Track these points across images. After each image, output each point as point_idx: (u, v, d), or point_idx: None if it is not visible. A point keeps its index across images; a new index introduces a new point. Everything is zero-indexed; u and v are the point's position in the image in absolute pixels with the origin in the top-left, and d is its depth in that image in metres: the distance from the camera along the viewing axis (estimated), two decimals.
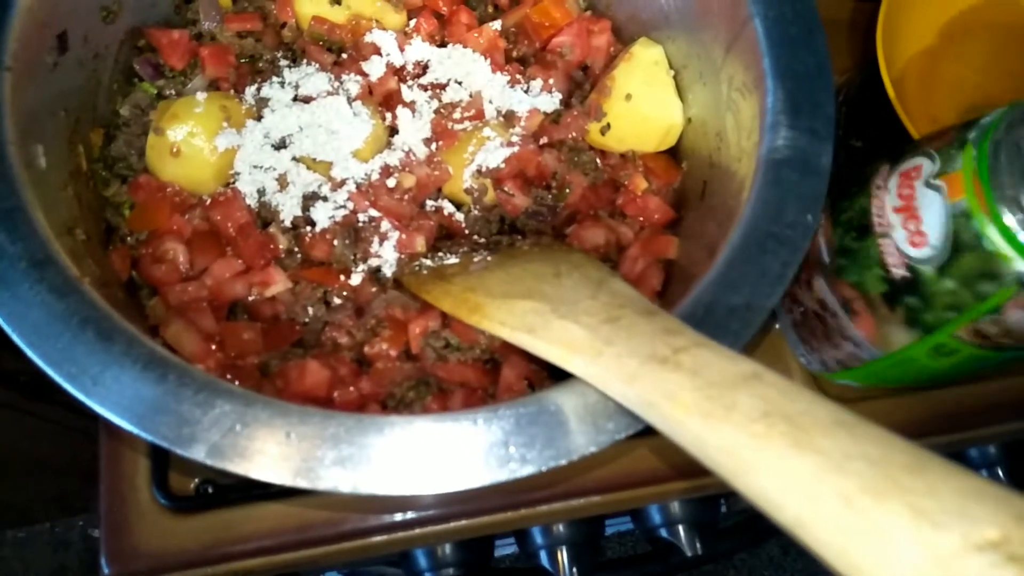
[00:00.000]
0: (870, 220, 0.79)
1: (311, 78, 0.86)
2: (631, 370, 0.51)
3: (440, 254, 0.84)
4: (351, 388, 0.74)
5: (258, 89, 0.87)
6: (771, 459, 0.41)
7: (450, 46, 0.94)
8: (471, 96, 0.91)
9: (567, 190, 0.90)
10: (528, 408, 0.59)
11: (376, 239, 0.84)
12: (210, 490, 0.87)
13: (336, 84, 0.87)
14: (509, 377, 0.77)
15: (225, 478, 0.87)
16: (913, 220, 0.74)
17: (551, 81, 0.94)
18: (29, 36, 0.68)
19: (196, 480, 0.88)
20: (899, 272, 0.74)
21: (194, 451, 0.55)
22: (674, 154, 0.94)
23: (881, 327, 0.78)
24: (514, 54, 0.98)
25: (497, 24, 0.95)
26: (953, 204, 0.71)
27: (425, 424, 0.57)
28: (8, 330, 0.56)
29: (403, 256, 0.84)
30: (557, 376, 0.78)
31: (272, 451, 0.55)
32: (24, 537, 2.01)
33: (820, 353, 0.89)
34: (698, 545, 1.07)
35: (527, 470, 0.57)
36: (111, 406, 0.55)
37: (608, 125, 0.92)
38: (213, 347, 0.76)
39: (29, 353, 0.56)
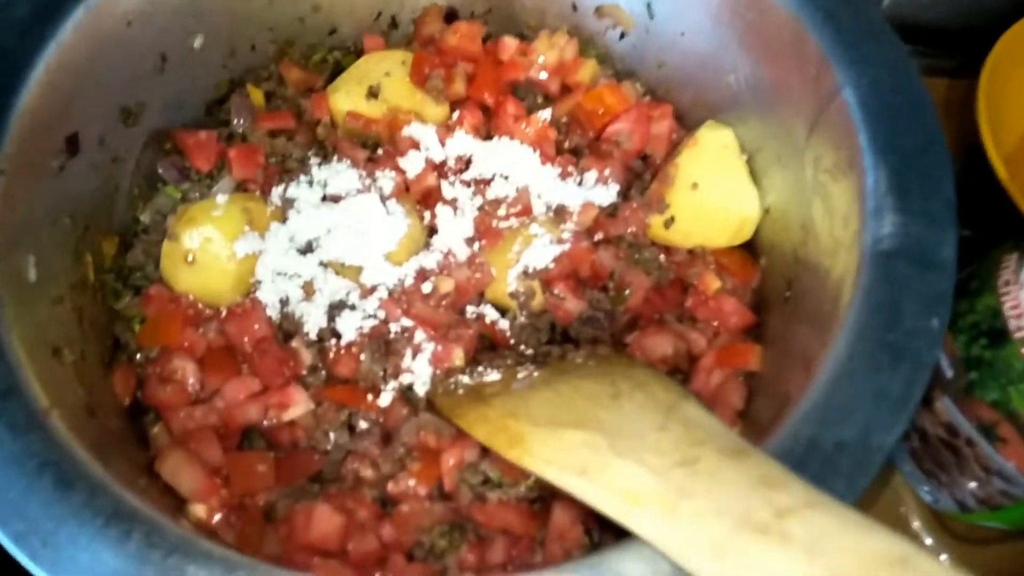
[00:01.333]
0: (1004, 322, 0.64)
1: (340, 175, 0.79)
2: (719, 538, 0.38)
3: (480, 369, 0.72)
4: (370, 536, 0.61)
5: (285, 189, 0.80)
6: None
7: (495, 139, 0.86)
8: (518, 191, 0.82)
9: (627, 292, 0.78)
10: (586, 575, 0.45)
11: (409, 352, 0.74)
12: None
13: (368, 181, 0.79)
14: (562, 521, 0.63)
15: None
16: None
17: (607, 172, 0.84)
18: (30, 138, 0.63)
19: None
20: None
21: None
22: (750, 249, 0.82)
23: None
24: (566, 145, 0.89)
25: (547, 113, 0.87)
26: None
27: None
28: None
29: (438, 371, 0.73)
30: None
31: None
32: None
33: (952, 489, 0.72)
34: None
35: None
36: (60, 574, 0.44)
37: (672, 218, 0.80)
38: (218, 482, 0.65)
39: None
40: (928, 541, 0.79)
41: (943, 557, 0.77)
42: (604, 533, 0.64)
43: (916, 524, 0.79)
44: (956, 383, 0.68)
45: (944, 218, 0.56)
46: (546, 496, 0.66)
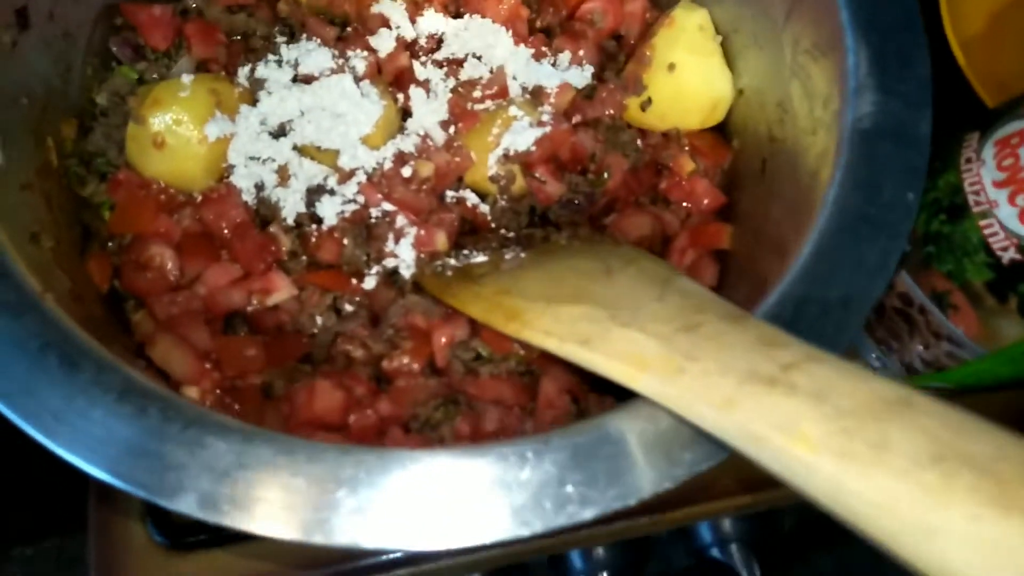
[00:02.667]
0: (964, 199, 0.68)
1: (312, 55, 0.76)
2: (726, 392, 0.41)
3: (465, 252, 0.73)
4: (368, 411, 0.63)
5: (252, 70, 0.76)
6: (957, 523, 0.30)
7: (467, 16, 0.83)
8: (492, 72, 0.81)
9: (605, 175, 0.79)
10: (586, 437, 0.48)
11: (391, 236, 0.74)
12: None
13: (340, 61, 0.76)
14: (549, 391, 0.66)
15: None
16: (1022, 194, 0.63)
17: (581, 53, 0.83)
18: None
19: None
20: (1010, 255, 0.63)
21: (181, 503, 0.45)
22: (721, 131, 0.84)
23: (987, 321, 0.67)
24: (538, 24, 0.87)
25: None
26: None
27: (462, 460, 0.47)
28: None
29: (422, 255, 0.73)
30: (603, 389, 0.68)
31: (277, 500, 0.45)
32: (31, 554, 1.93)
33: (901, 354, 0.78)
34: (756, 568, 0.97)
35: (588, 513, 0.47)
36: (78, 448, 0.45)
37: (649, 100, 0.81)
38: (208, 366, 0.66)
39: None
40: None
41: None
42: (589, 401, 0.68)
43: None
44: (913, 256, 0.73)
45: (921, 96, 0.59)
46: (534, 369, 0.68)
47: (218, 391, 0.65)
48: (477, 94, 0.80)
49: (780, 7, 0.71)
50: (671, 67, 0.80)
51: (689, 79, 0.80)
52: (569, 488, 0.47)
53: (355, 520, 0.45)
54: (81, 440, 0.45)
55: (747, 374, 0.41)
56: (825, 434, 0.36)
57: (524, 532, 0.46)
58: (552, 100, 0.80)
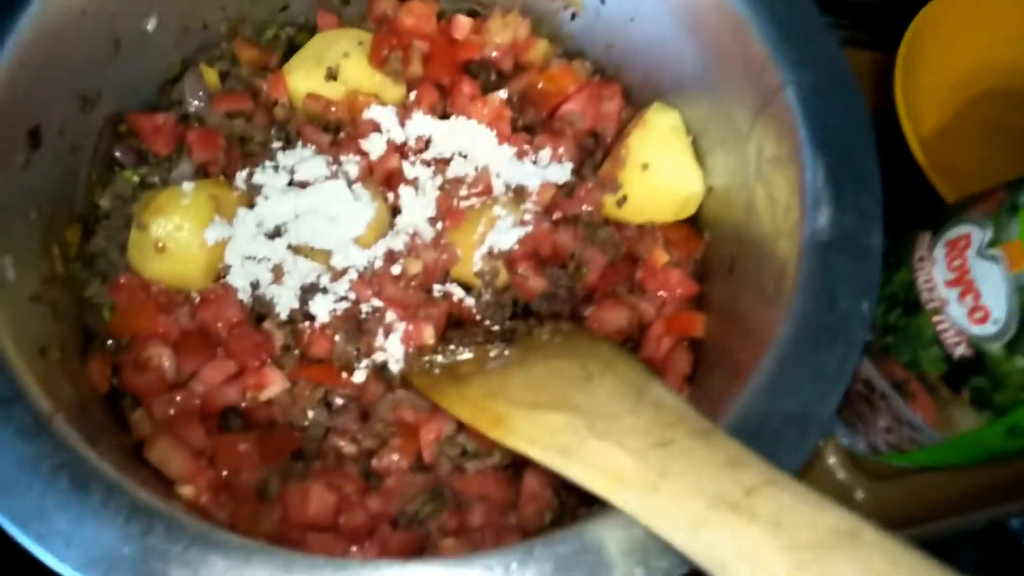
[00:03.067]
0: (918, 295, 0.73)
1: (308, 162, 0.80)
2: (695, 515, 0.44)
3: (452, 347, 0.77)
4: (359, 510, 0.66)
5: (250, 175, 0.81)
6: None
7: (453, 118, 0.88)
8: (477, 170, 0.85)
9: (584, 269, 0.84)
10: (567, 547, 0.51)
11: (380, 331, 0.77)
12: None
13: (335, 167, 0.81)
14: (532, 486, 0.69)
15: None
16: (971, 294, 0.68)
17: (560, 150, 0.88)
18: None
19: None
20: (961, 351, 0.68)
21: None
22: (694, 223, 0.88)
23: (943, 409, 0.71)
24: (520, 123, 0.92)
25: (502, 93, 0.89)
26: (1016, 276, 0.65)
27: (453, 570, 0.49)
28: None
29: (411, 350, 0.77)
30: None
31: None
32: None
33: (867, 436, 0.82)
34: None
35: None
36: (88, 573, 0.47)
37: (624, 197, 0.85)
38: (203, 464, 0.68)
39: None
40: (841, 475, 0.89)
41: (858, 492, 0.87)
42: (570, 495, 0.71)
43: (832, 460, 0.89)
44: (875, 344, 0.77)
45: (873, 212, 0.63)
46: (518, 464, 0.71)
47: (212, 490, 0.68)
48: (463, 192, 0.84)
49: (746, 117, 0.76)
50: (644, 166, 0.84)
51: (662, 177, 0.85)
52: None
53: None
54: (91, 564, 0.47)
55: (714, 498, 0.44)
56: (782, 565, 0.39)
57: None
58: (534, 198, 0.84)
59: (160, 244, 0.74)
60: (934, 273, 0.72)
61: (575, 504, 0.70)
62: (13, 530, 0.48)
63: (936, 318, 0.70)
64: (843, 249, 0.62)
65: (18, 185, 0.66)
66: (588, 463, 0.52)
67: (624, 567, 0.50)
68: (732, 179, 0.81)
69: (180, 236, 0.74)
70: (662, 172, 0.85)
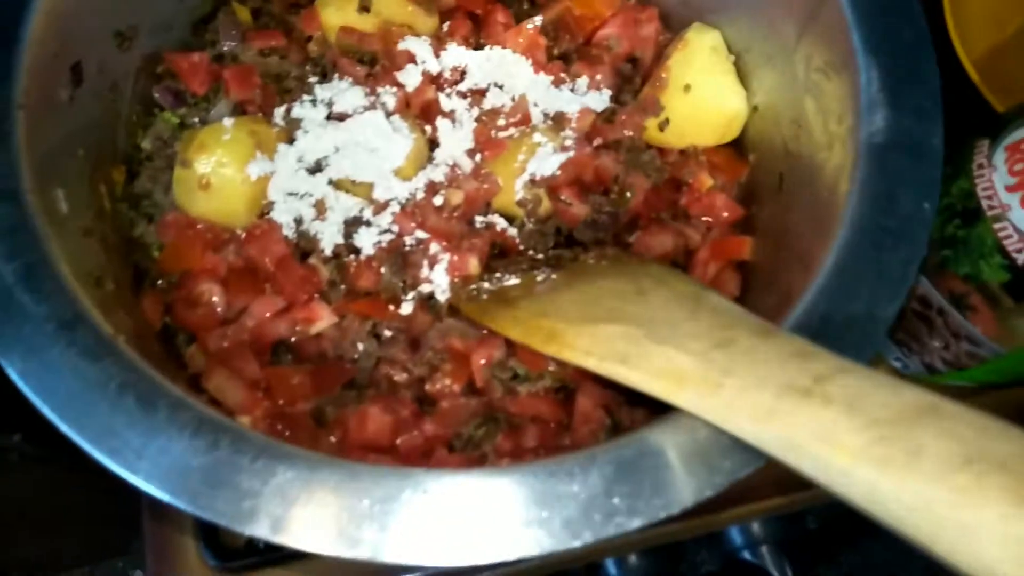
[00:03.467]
0: (977, 203, 0.71)
1: (345, 94, 0.79)
2: (765, 405, 0.44)
3: (497, 275, 0.76)
4: (415, 432, 0.67)
5: (288, 110, 0.80)
6: (991, 521, 0.33)
7: (487, 48, 0.87)
8: (514, 100, 0.84)
9: (628, 194, 0.82)
10: (629, 451, 0.51)
11: (425, 263, 0.77)
12: (262, 545, 0.81)
13: (372, 99, 0.80)
14: (585, 406, 0.69)
15: None
16: None
17: (598, 77, 0.86)
18: (41, 70, 0.62)
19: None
20: None
21: (257, 528, 0.48)
22: (737, 146, 0.87)
23: (1005, 321, 0.69)
24: (555, 52, 0.90)
25: (537, 20, 0.87)
26: None
27: (518, 478, 0.50)
28: (39, 404, 0.50)
29: (456, 280, 0.77)
30: (635, 401, 0.71)
31: (345, 521, 0.48)
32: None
33: (923, 355, 0.81)
34: (787, 568, 0.99)
35: (635, 523, 0.49)
36: (160, 483, 0.48)
37: (667, 120, 0.84)
38: (259, 395, 0.69)
39: (64, 429, 0.49)
40: None
41: None
42: (622, 414, 0.71)
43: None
44: (930, 260, 0.75)
45: (932, 111, 0.61)
46: (569, 385, 0.71)
47: (269, 419, 0.69)
48: (501, 122, 0.83)
49: (792, 28, 0.74)
50: (687, 88, 0.83)
51: (704, 98, 0.83)
52: (616, 500, 0.49)
53: (422, 539, 0.48)
54: (162, 475, 0.48)
55: (783, 387, 0.43)
56: (863, 443, 0.38)
57: (576, 543, 0.49)
58: (574, 125, 0.83)
59: (204, 181, 0.74)
60: (995, 179, 0.70)
61: (629, 423, 0.70)
62: (86, 446, 0.49)
63: (997, 225, 0.68)
64: (902, 150, 0.60)
65: (64, 122, 0.66)
66: (649, 368, 0.51)
67: (687, 468, 0.50)
68: (778, 95, 0.79)
69: (223, 172, 0.74)
70: (705, 93, 0.83)
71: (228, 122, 0.76)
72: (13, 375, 0.50)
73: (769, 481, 0.87)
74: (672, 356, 0.50)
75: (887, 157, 0.60)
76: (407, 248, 0.78)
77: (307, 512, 0.48)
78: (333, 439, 0.65)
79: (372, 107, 0.79)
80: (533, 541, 0.48)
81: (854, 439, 0.39)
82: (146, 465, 0.48)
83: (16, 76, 0.59)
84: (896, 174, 0.59)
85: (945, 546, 0.35)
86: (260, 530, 0.48)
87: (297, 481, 0.49)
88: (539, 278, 0.71)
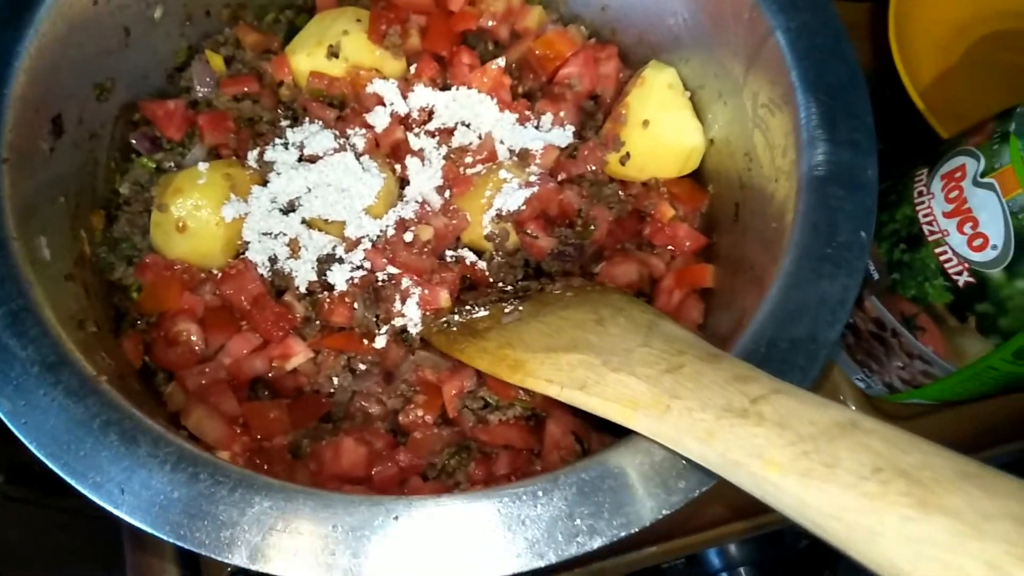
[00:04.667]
0: (920, 229, 0.75)
1: (315, 136, 0.83)
2: (706, 426, 0.47)
3: (467, 307, 0.79)
4: (389, 463, 0.69)
5: (261, 153, 0.83)
6: (893, 524, 0.36)
7: (454, 88, 0.91)
8: (480, 138, 0.88)
9: (592, 226, 0.86)
10: (590, 473, 0.54)
11: (398, 297, 0.80)
12: None
13: (342, 140, 0.83)
14: (555, 433, 0.72)
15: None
16: (969, 222, 0.70)
17: (562, 114, 0.90)
18: (23, 124, 0.65)
19: (228, 570, 0.82)
20: (964, 279, 0.70)
21: (235, 556, 0.50)
22: (697, 177, 0.91)
23: (952, 339, 0.73)
24: (520, 90, 0.94)
25: (501, 61, 0.91)
26: (1010, 200, 0.67)
27: (484, 502, 0.52)
28: (27, 442, 0.52)
29: (428, 313, 0.79)
30: (603, 427, 0.74)
31: (319, 549, 0.50)
32: None
33: (883, 376, 0.84)
34: None
35: (596, 542, 0.52)
36: (142, 515, 0.50)
37: (627, 154, 0.88)
38: (238, 430, 0.71)
39: (50, 464, 0.51)
40: None
41: None
42: (592, 440, 0.74)
43: (851, 408, 0.92)
44: (881, 283, 0.79)
45: (867, 145, 0.66)
46: (539, 414, 0.74)
47: (248, 453, 0.71)
48: (469, 159, 0.87)
49: (740, 66, 0.78)
50: (645, 123, 0.87)
51: (663, 133, 0.87)
52: (578, 521, 0.52)
53: (392, 562, 0.50)
54: (144, 507, 0.50)
55: (723, 409, 0.47)
56: (789, 458, 0.42)
57: (539, 563, 0.51)
58: (538, 161, 0.87)
59: (181, 224, 0.77)
60: (933, 206, 0.74)
61: (598, 448, 0.73)
62: (72, 481, 0.51)
63: (938, 249, 0.72)
64: (840, 182, 0.64)
65: (45, 171, 0.68)
66: (605, 394, 0.55)
67: (645, 488, 0.53)
68: (731, 130, 0.83)
69: (199, 215, 0.77)
70: (663, 128, 0.87)
71: (203, 166, 0.79)
72: (2, 414, 0.52)
73: (731, 505, 0.90)
74: (626, 382, 0.54)
75: (826, 189, 0.64)
76: (379, 283, 0.81)
77: (283, 540, 0.51)
78: (309, 471, 0.67)
79: (342, 148, 0.83)
80: (499, 562, 0.50)
81: (782, 454, 0.42)
82: (129, 499, 0.51)
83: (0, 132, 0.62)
84: (834, 205, 0.63)
85: (858, 547, 0.38)
86: (238, 559, 0.50)
87: (273, 511, 0.51)
88: (507, 310, 0.75)
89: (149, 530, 0.50)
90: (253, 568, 0.50)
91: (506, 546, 0.51)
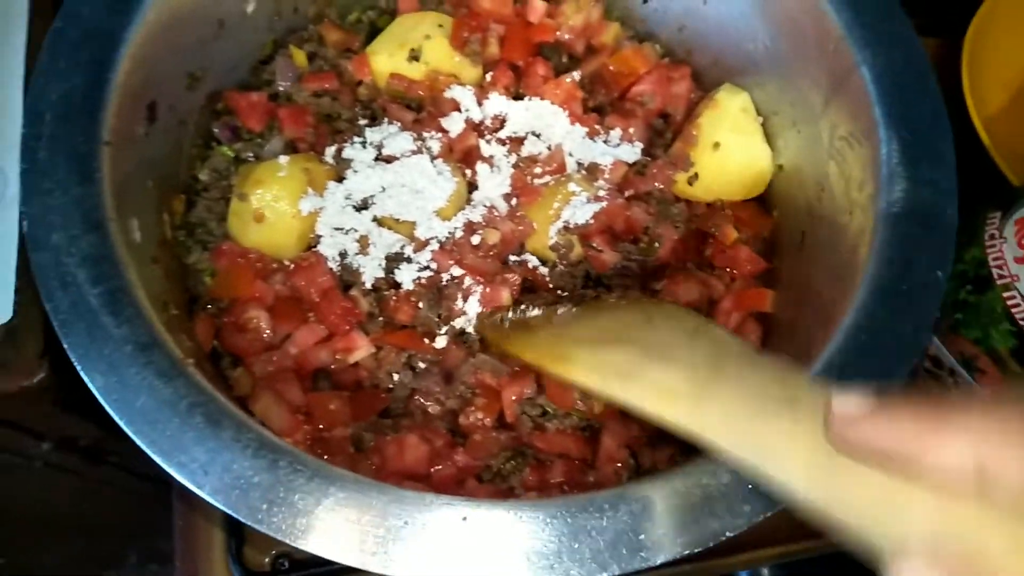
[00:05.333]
0: (989, 272, 0.75)
1: (394, 138, 0.84)
2: (741, 423, 0.48)
3: (522, 307, 0.81)
4: (448, 462, 0.70)
5: (339, 150, 0.85)
6: None
7: (527, 99, 0.92)
8: (550, 149, 0.89)
9: (656, 244, 0.87)
10: (657, 492, 0.55)
11: (460, 296, 0.81)
12: (286, 565, 0.84)
13: (419, 143, 0.85)
14: (609, 446, 0.73)
15: (301, 553, 0.84)
16: None
17: (631, 130, 0.91)
18: (124, 109, 0.67)
19: (272, 553, 0.85)
20: None
21: (310, 543, 0.52)
22: (762, 201, 0.91)
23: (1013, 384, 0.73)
24: (591, 104, 0.95)
25: (575, 74, 0.93)
26: None
27: (555, 510, 0.54)
28: (116, 417, 0.54)
29: (485, 309, 0.81)
30: (657, 442, 0.75)
31: (388, 542, 0.52)
32: None
33: None
34: None
35: (659, 558, 0.53)
36: (223, 498, 0.52)
37: (696, 175, 0.88)
38: (301, 419, 0.73)
39: (138, 441, 0.53)
40: None
41: None
42: (645, 455, 0.75)
43: None
44: (944, 323, 0.79)
45: (947, 186, 0.66)
46: (595, 424, 0.75)
47: (309, 442, 0.73)
48: (537, 170, 0.88)
49: (818, 96, 0.79)
50: (716, 145, 0.87)
51: (732, 156, 0.87)
52: (642, 536, 0.53)
53: (459, 562, 0.52)
54: (226, 490, 0.52)
55: (759, 407, 0.48)
56: (822, 455, 0.44)
57: (602, 575, 0.52)
58: (607, 175, 0.88)
59: (259, 214, 0.79)
60: (1005, 250, 0.74)
61: (651, 464, 0.74)
62: (158, 459, 0.53)
63: (1006, 294, 0.72)
64: (919, 221, 0.64)
65: (139, 156, 0.71)
66: (645, 386, 0.56)
67: (709, 510, 0.54)
68: (803, 157, 0.83)
69: (277, 206, 0.79)
70: (733, 151, 0.87)
71: (283, 159, 0.82)
72: (94, 389, 0.54)
73: (779, 527, 0.90)
74: (667, 376, 0.55)
75: (905, 227, 0.64)
76: (444, 284, 0.82)
77: (353, 531, 0.52)
78: (372, 464, 0.69)
79: (419, 151, 0.84)
80: (562, 571, 0.52)
81: (815, 453, 0.44)
82: (212, 480, 0.52)
83: (104, 116, 0.64)
84: (912, 243, 0.64)
85: None
86: (313, 546, 0.52)
87: (347, 502, 0.53)
88: (559, 311, 0.76)
89: (229, 511, 0.52)
90: (325, 556, 0.52)
91: (570, 555, 0.52)
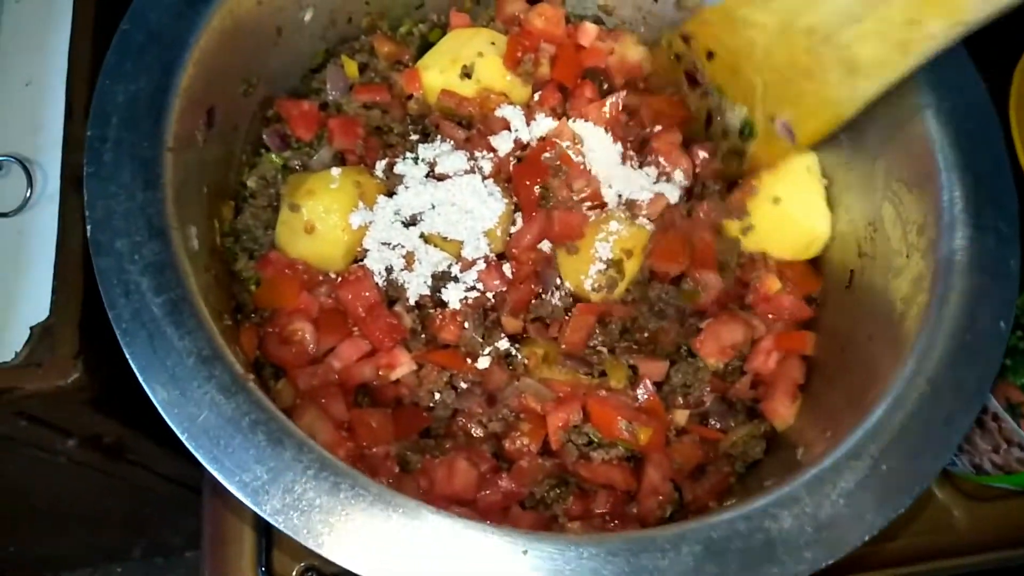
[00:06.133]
0: None
1: (448, 156, 0.84)
2: None
3: None
4: (494, 487, 0.70)
5: (390, 165, 0.85)
6: None
7: (570, 120, 0.91)
8: (588, 181, 0.87)
9: (699, 290, 0.85)
10: (717, 532, 0.54)
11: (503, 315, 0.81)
12: None
13: (472, 162, 0.84)
14: (654, 477, 0.73)
15: (330, 565, 0.83)
16: None
17: (676, 169, 0.90)
18: (186, 114, 0.67)
19: (300, 565, 0.84)
20: None
21: (366, 568, 0.51)
22: (813, 262, 0.88)
23: None
24: (630, 139, 0.94)
25: (619, 97, 0.92)
26: None
27: (615, 547, 0.53)
28: (178, 432, 0.53)
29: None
30: (700, 475, 0.74)
31: (447, 572, 0.51)
32: None
33: (972, 456, 0.84)
34: None
35: None
36: (284, 519, 0.51)
37: (751, 226, 0.86)
38: (344, 435, 0.72)
39: (200, 457, 0.52)
40: (940, 494, 0.90)
41: (955, 512, 0.89)
42: (687, 488, 0.74)
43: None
44: None
45: (1010, 235, 0.66)
46: (638, 455, 0.75)
47: (352, 459, 0.72)
48: (575, 197, 0.87)
49: (874, 137, 0.78)
50: (776, 200, 0.85)
51: (792, 213, 0.85)
52: None
53: None
54: (286, 512, 0.51)
55: None
56: None
57: None
58: (645, 211, 0.85)
59: (309, 225, 0.78)
60: None
61: (692, 497, 0.73)
62: (220, 476, 0.52)
63: None
64: (982, 269, 0.64)
65: (197, 161, 0.70)
66: None
67: (769, 555, 0.53)
68: (853, 196, 0.83)
69: (328, 218, 0.79)
70: (794, 208, 0.85)
71: (335, 171, 0.81)
72: (156, 402, 0.53)
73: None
74: None
75: (967, 275, 0.64)
76: (490, 304, 0.82)
77: (413, 561, 0.51)
78: (419, 486, 0.68)
79: (471, 171, 0.84)
80: None
81: None
82: (273, 502, 0.52)
83: (168, 121, 0.64)
84: (975, 292, 0.63)
85: None
86: (366, 570, 0.51)
87: (409, 525, 0.52)
88: None
89: (291, 534, 0.51)
90: None
91: None
